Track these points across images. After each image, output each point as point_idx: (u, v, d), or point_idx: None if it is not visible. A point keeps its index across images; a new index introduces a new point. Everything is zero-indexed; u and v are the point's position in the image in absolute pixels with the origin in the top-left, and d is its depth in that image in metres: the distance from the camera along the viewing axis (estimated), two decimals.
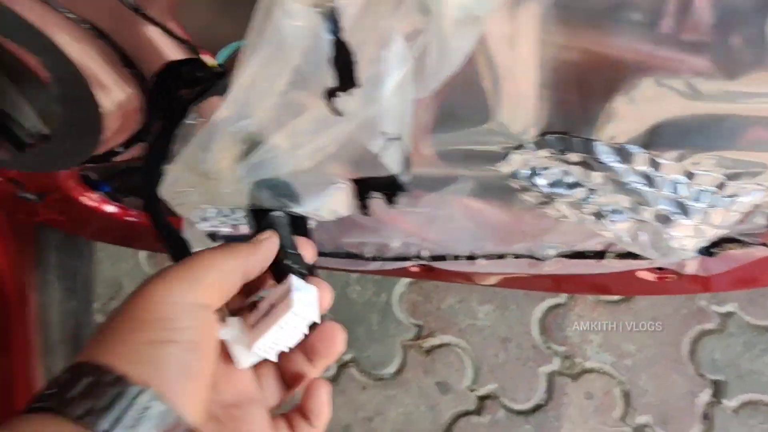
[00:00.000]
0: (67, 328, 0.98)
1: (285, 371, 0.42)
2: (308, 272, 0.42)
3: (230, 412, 0.39)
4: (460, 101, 0.42)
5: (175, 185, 0.46)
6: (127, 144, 0.59)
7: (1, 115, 0.50)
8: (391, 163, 0.40)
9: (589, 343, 1.35)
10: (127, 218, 0.76)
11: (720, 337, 1.34)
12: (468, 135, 0.44)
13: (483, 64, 0.38)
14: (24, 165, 0.59)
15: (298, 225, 0.45)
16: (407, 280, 1.42)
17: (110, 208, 0.75)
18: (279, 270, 0.41)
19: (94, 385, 0.32)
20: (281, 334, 0.39)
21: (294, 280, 0.40)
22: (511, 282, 0.73)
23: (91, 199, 0.73)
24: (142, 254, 1.47)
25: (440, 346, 1.38)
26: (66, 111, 0.50)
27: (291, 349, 0.40)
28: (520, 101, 0.41)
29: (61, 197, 0.72)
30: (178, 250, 0.50)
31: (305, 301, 0.39)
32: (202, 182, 0.44)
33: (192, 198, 0.48)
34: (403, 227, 0.65)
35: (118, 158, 0.61)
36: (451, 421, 1.33)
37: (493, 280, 0.73)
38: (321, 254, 0.75)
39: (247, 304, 0.42)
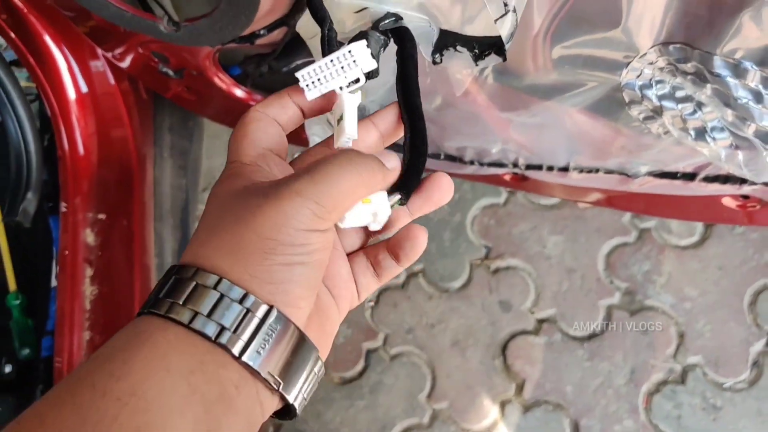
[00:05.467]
0: (176, 200, 1.09)
1: (374, 265, 0.44)
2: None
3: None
4: (593, 5, 0.46)
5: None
6: (271, 27, 0.65)
7: None
8: (504, 30, 0.43)
9: (651, 283, 1.39)
10: (251, 102, 0.84)
11: None
12: (595, 42, 0.49)
13: None
14: (180, 39, 0.66)
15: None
16: (482, 204, 1.48)
17: (239, 92, 0.83)
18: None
19: (221, 304, 0.34)
20: (329, 68, 0.39)
21: (363, 44, 0.39)
22: (603, 201, 0.78)
23: (223, 81, 0.81)
24: None
25: (506, 268, 1.44)
26: None
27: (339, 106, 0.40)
28: (649, 10, 0.45)
29: (198, 76, 0.80)
30: None
31: (365, 53, 0.39)
32: None
33: None
34: (506, 132, 0.70)
35: (260, 41, 0.68)
36: (509, 337, 1.41)
37: (590, 197, 0.78)
38: None
39: None
